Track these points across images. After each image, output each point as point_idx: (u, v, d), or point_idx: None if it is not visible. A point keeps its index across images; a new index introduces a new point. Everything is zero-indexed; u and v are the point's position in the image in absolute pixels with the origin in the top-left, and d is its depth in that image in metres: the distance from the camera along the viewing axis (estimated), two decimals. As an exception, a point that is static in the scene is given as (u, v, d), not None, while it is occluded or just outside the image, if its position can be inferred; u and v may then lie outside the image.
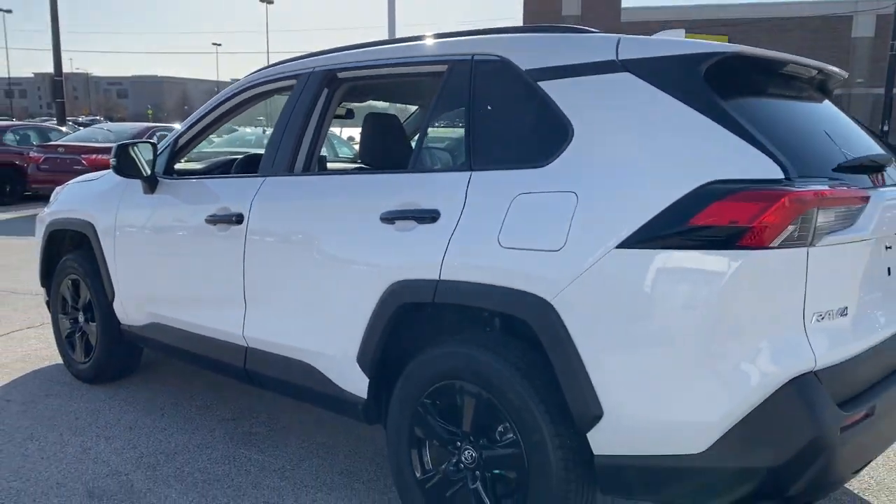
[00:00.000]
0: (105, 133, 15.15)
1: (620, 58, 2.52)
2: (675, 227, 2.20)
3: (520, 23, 35.13)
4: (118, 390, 4.53)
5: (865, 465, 2.61)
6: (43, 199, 10.22)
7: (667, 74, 2.43)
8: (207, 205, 3.66)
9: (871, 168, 2.60)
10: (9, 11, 74.08)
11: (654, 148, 2.36)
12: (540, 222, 2.47)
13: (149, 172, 3.93)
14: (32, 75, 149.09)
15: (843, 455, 2.24)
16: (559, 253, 2.39)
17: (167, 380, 4.74)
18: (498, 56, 2.81)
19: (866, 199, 2.35)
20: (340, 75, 3.43)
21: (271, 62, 3.95)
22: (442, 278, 2.66)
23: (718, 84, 2.40)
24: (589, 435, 2.37)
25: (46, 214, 4.86)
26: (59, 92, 23.94)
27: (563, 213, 2.42)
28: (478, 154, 2.76)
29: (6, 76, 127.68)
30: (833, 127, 2.79)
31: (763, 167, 2.18)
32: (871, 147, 2.83)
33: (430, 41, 3.17)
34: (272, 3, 71.17)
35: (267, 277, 3.38)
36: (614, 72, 2.51)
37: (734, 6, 44.82)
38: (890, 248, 2.60)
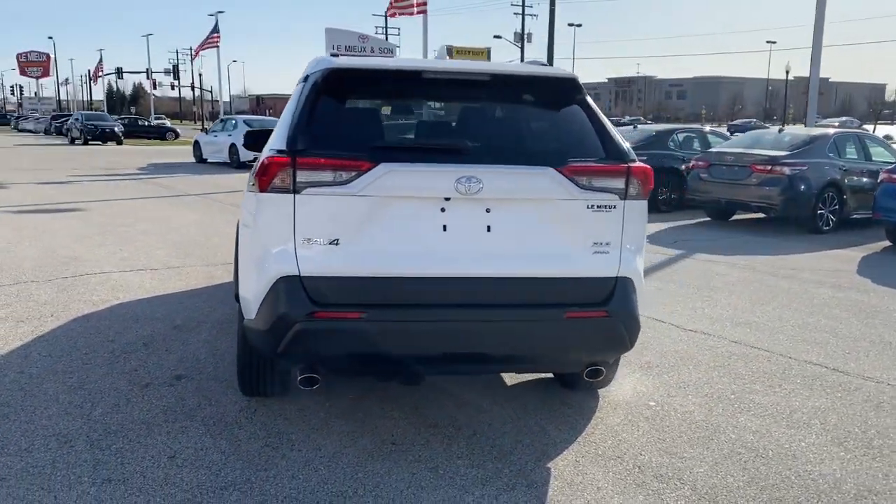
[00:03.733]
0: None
1: (308, 73, 3.88)
2: (257, 179, 3.59)
3: None
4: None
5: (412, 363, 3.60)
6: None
7: (308, 81, 3.73)
8: None
9: (441, 150, 3.50)
10: (579, 26, 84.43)
11: (279, 130, 3.73)
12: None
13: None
14: (606, 80, 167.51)
15: (317, 334, 3.37)
16: (246, 192, 3.96)
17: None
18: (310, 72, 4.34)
19: (364, 167, 3.32)
20: None
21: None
22: None
23: (331, 88, 3.61)
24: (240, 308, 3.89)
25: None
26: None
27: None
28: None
29: (583, 82, 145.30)
30: (456, 121, 3.68)
31: (283, 142, 3.44)
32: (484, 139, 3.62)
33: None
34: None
35: None
36: (305, 82, 3.88)
37: None
38: (445, 210, 3.43)
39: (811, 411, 4.37)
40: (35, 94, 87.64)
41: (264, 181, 3.42)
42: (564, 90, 3.80)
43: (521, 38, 59.65)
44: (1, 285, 6.91)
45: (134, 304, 6.38)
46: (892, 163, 11.73)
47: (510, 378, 4.74)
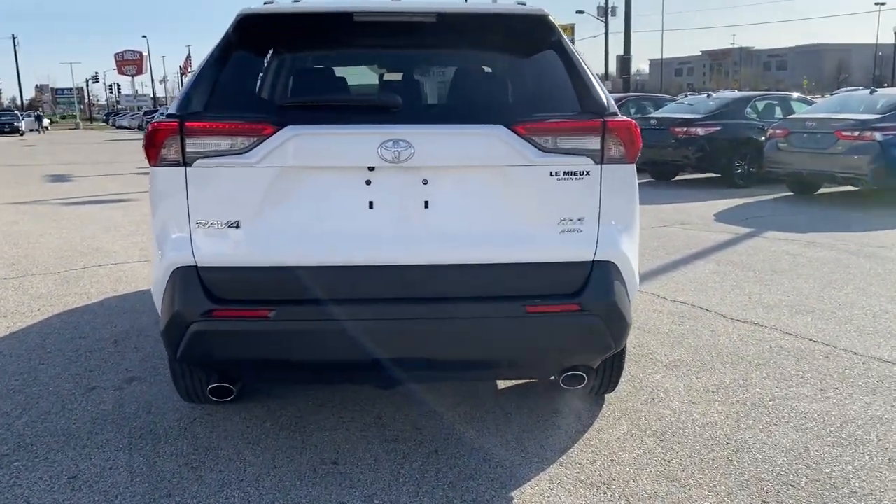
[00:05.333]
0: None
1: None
2: (145, 150, 2.98)
3: None
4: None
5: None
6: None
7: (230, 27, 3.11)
8: None
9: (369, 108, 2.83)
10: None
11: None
12: None
13: None
14: (699, 53, 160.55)
15: (216, 336, 2.79)
16: None
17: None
18: None
19: (266, 131, 2.70)
20: None
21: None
22: None
23: (243, 38, 2.97)
24: None
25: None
26: (627, 69, 26.84)
27: None
28: None
29: (675, 56, 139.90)
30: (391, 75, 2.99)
31: (176, 104, 2.86)
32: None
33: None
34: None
35: None
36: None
37: None
38: (370, 182, 2.78)
39: (869, 423, 3.50)
40: (136, 91, 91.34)
41: (153, 153, 2.86)
42: (532, 31, 3.05)
43: (605, 11, 57.51)
44: (7, 278, 6.68)
45: (128, 296, 5.99)
46: None
47: (502, 381, 4.05)
